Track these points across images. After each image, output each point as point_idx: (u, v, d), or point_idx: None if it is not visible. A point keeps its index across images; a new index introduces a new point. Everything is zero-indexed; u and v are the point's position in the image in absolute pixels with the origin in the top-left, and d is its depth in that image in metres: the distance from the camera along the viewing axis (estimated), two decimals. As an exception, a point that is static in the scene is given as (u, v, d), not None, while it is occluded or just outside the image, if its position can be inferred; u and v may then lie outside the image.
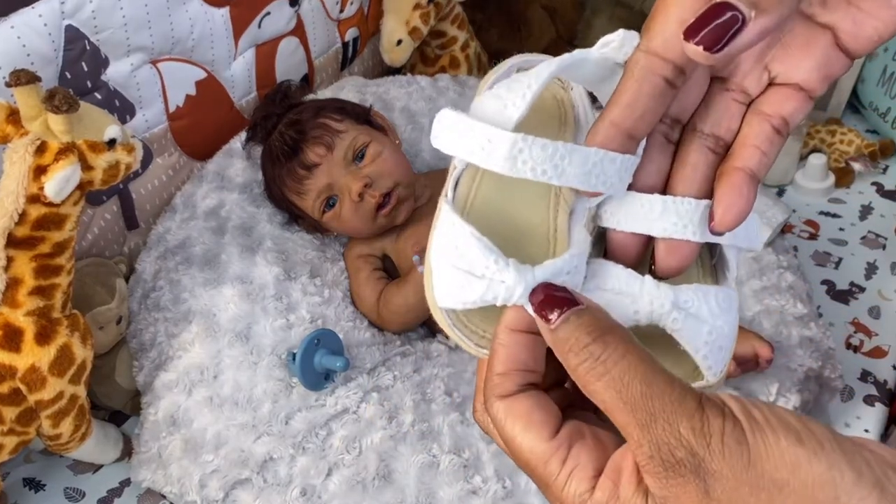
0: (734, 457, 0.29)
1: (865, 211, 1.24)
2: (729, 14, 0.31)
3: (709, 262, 0.41)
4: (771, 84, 0.37)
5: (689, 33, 0.31)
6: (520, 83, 0.37)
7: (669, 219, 0.36)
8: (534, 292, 0.34)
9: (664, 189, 0.37)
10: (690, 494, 0.29)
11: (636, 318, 0.36)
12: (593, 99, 0.43)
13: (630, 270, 0.37)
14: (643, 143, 0.37)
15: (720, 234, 0.36)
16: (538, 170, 0.34)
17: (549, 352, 0.34)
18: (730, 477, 0.29)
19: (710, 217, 0.36)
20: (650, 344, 0.36)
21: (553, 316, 0.33)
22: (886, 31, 0.35)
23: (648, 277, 0.36)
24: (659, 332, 0.37)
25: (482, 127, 0.35)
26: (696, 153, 0.37)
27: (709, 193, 0.36)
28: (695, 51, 0.31)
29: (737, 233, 0.37)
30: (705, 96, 0.37)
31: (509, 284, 0.34)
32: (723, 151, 0.37)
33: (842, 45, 0.35)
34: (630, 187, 0.37)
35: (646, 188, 0.37)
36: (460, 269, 0.35)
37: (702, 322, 0.36)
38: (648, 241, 0.38)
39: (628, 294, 0.36)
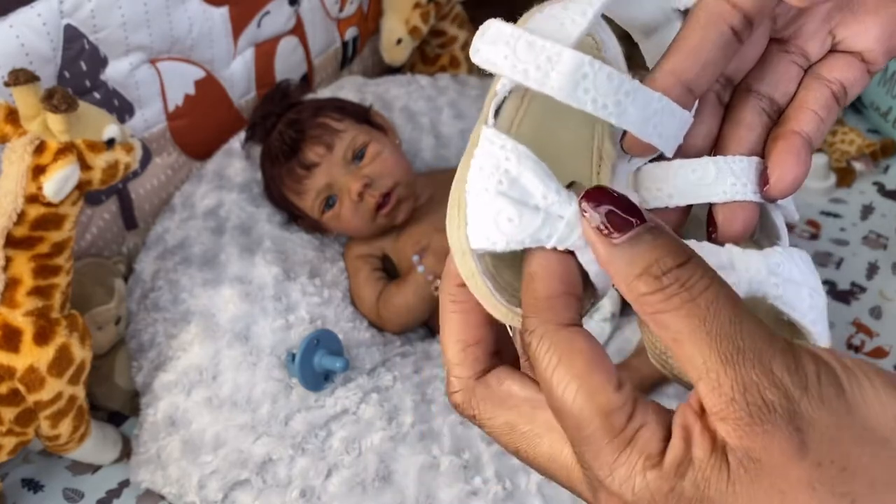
0: (833, 404, 0.24)
1: (867, 211, 1.24)
2: None
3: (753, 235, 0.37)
4: (833, 50, 0.35)
5: None
6: (577, 3, 0.32)
7: (727, 180, 0.32)
8: (590, 197, 0.28)
9: (711, 153, 0.34)
10: (783, 445, 0.24)
11: (736, 290, 0.30)
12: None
13: (706, 242, 0.32)
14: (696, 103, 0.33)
15: (774, 199, 0.33)
16: (599, 102, 0.29)
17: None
18: (830, 426, 0.24)
19: (763, 181, 0.33)
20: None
21: (617, 232, 0.27)
22: None
23: (731, 246, 0.32)
24: (758, 304, 0.32)
25: (542, 42, 0.29)
26: (752, 113, 0.34)
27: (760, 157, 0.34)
28: None
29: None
30: (763, 57, 0.35)
31: (570, 220, 0.28)
32: (776, 116, 0.35)
33: None
34: (676, 152, 0.33)
35: (693, 151, 0.34)
36: (510, 197, 0.29)
37: (799, 284, 0.32)
38: (687, 213, 0.34)
39: (717, 268, 0.29)
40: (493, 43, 0.31)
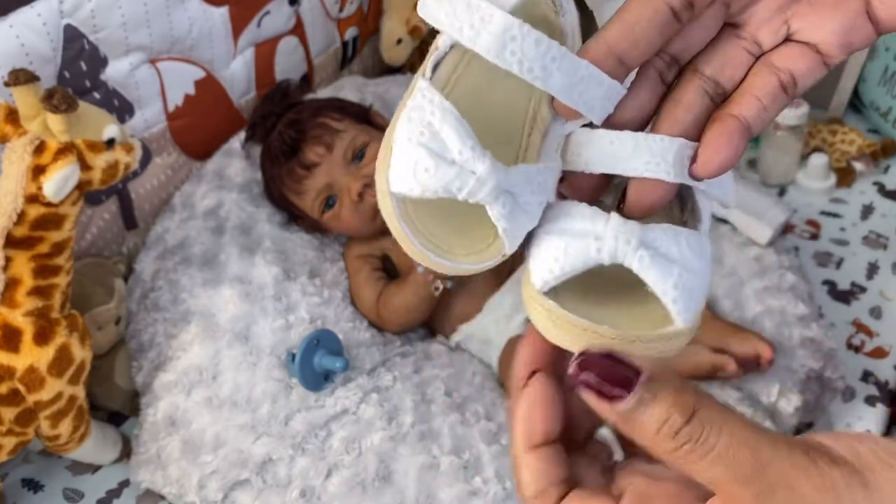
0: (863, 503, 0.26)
1: (867, 211, 1.24)
2: None
3: (678, 214, 0.38)
4: (787, 40, 0.34)
5: None
6: None
7: (642, 157, 0.33)
8: (582, 363, 0.29)
9: (641, 130, 0.35)
10: None
11: (599, 257, 0.33)
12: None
13: (595, 208, 0.34)
14: (631, 77, 0.34)
15: (699, 179, 0.33)
16: (525, 65, 0.31)
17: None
18: None
19: (693, 159, 0.33)
20: (616, 288, 0.34)
21: (618, 394, 0.28)
22: None
23: (615, 214, 0.33)
24: (627, 276, 0.33)
25: (479, 3, 0.31)
26: (693, 94, 0.34)
27: (695, 140, 0.34)
28: None
29: (712, 181, 0.35)
30: (714, 39, 0.35)
31: (480, 176, 0.31)
32: (719, 100, 0.34)
33: (872, 14, 0.33)
34: (606, 122, 0.34)
35: (621, 122, 0.34)
36: (429, 149, 0.31)
37: (671, 262, 0.33)
38: (609, 180, 0.35)
39: (592, 232, 0.33)
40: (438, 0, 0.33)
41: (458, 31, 0.32)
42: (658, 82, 0.35)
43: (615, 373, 0.29)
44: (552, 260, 0.33)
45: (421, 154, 0.31)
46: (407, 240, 0.32)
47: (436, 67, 0.35)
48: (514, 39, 0.31)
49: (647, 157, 0.33)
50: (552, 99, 0.34)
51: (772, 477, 0.27)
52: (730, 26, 0.35)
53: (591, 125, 0.35)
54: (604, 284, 0.34)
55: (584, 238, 0.33)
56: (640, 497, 0.31)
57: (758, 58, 0.35)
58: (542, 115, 0.36)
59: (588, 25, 0.40)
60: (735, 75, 0.35)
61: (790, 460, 0.27)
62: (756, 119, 0.33)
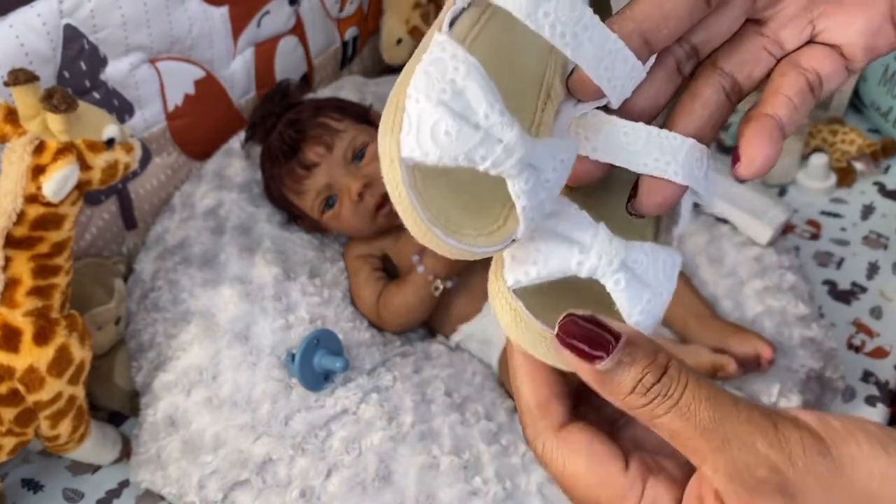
0: (819, 468, 0.27)
1: (867, 211, 1.24)
2: None
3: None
4: (811, 41, 0.34)
5: None
6: None
7: (652, 153, 0.32)
8: (565, 325, 0.30)
9: (652, 120, 0.34)
10: None
11: (578, 270, 0.32)
12: None
13: (585, 215, 0.32)
14: (651, 62, 0.33)
15: (743, 179, 0.33)
16: (558, 29, 0.28)
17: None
18: (817, 490, 0.27)
19: (734, 159, 0.33)
20: (581, 296, 0.33)
21: (598, 354, 0.30)
22: None
23: (603, 227, 0.32)
24: (596, 286, 0.33)
25: None
26: (711, 89, 0.34)
27: (707, 137, 0.34)
28: None
29: (707, 184, 0.34)
30: (736, 35, 0.34)
31: (508, 144, 0.27)
32: (735, 99, 0.34)
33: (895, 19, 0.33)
34: (621, 106, 0.32)
35: (636, 110, 0.33)
36: (451, 109, 0.27)
37: (644, 287, 0.33)
38: (608, 169, 0.34)
39: (578, 242, 0.32)
40: None
41: None
42: (675, 73, 0.34)
43: (596, 335, 0.30)
44: (531, 263, 0.32)
45: (442, 114, 0.27)
46: (413, 214, 0.28)
47: (452, 24, 0.31)
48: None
49: (656, 155, 0.32)
50: (568, 75, 0.32)
51: (729, 431, 0.28)
52: (753, 23, 0.35)
53: (602, 109, 0.33)
54: (570, 290, 0.33)
55: (568, 248, 0.32)
56: (644, 459, 0.32)
57: (780, 59, 0.35)
58: (556, 90, 0.33)
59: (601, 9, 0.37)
60: (754, 74, 0.34)
61: (748, 418, 0.28)
62: (789, 119, 0.33)
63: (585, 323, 0.30)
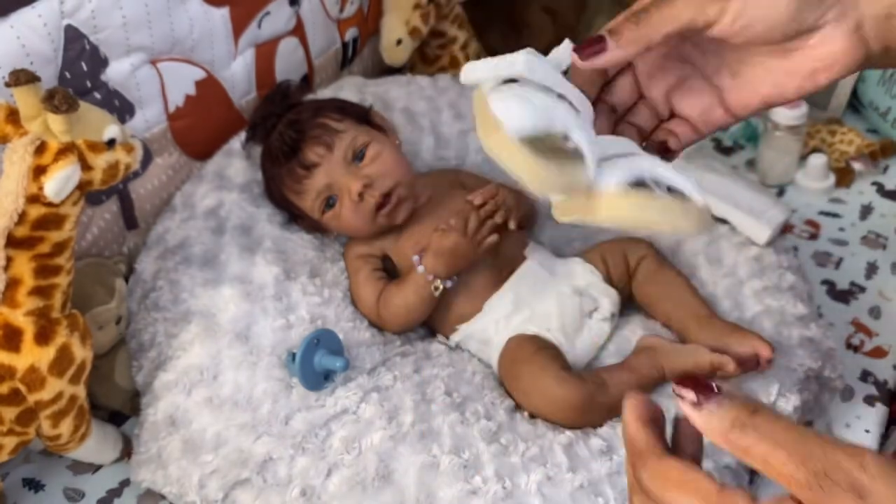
0: (888, 476, 0.34)
1: (866, 211, 1.24)
2: (600, 43, 0.50)
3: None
4: (672, 115, 0.57)
5: (576, 49, 0.51)
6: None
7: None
8: (681, 383, 0.40)
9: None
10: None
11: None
12: None
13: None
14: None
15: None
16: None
17: None
18: (887, 495, 0.34)
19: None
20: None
21: (704, 400, 0.39)
22: (750, 107, 0.53)
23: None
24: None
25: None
26: (628, 132, 0.57)
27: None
28: (575, 58, 0.51)
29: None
30: (637, 102, 0.58)
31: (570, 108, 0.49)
32: (641, 138, 0.58)
33: (724, 104, 0.54)
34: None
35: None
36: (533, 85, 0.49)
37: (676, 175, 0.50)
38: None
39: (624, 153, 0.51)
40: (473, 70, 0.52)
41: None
42: (612, 113, 0.58)
43: (701, 385, 0.40)
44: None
45: (527, 91, 0.49)
46: (533, 163, 0.46)
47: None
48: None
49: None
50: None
51: (810, 447, 0.36)
52: (641, 97, 0.58)
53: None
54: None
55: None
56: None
57: (660, 122, 0.58)
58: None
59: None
60: (648, 127, 0.58)
61: (827, 441, 0.36)
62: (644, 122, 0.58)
63: (693, 377, 0.40)
